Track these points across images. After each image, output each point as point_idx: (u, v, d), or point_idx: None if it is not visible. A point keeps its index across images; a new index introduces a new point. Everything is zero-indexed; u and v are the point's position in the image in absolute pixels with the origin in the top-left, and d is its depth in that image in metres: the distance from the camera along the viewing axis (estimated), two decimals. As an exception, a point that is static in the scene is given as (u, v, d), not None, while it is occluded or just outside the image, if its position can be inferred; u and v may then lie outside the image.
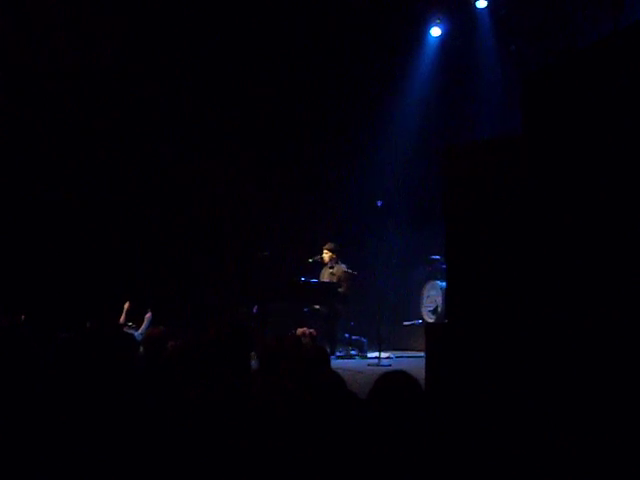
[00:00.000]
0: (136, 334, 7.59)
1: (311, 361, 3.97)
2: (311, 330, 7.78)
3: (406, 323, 10.64)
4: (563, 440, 3.33)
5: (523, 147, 4.15)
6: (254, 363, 4.59)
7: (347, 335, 10.07)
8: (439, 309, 10.14)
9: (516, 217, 4.11)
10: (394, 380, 2.91)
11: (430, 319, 10.30)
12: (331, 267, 10.00)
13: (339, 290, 9.78)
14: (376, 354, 9.02)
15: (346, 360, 9.29)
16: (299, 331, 7.98)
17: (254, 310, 9.53)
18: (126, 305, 8.42)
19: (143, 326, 8.02)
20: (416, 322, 10.43)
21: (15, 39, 9.88)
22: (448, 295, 4.61)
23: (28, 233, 10.06)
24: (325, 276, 10.06)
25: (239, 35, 10.81)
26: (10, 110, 9.96)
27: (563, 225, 3.88)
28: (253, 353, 4.83)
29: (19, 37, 9.91)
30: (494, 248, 4.17)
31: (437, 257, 10.24)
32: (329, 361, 4.28)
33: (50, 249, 10.09)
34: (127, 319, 8.44)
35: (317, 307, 9.76)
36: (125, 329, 8.00)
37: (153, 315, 8.14)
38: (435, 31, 11.54)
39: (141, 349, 6.88)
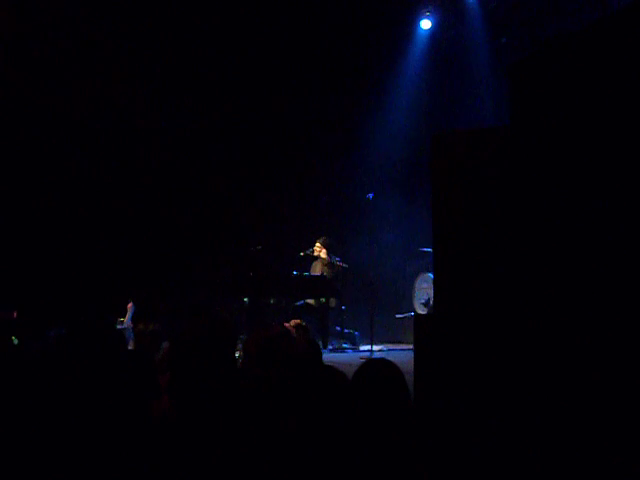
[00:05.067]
0: (121, 327, 7.61)
1: (302, 355, 3.96)
2: (300, 322, 7.79)
3: (399, 316, 10.66)
4: (548, 431, 3.35)
5: (510, 136, 4.15)
6: (239, 357, 4.58)
7: (339, 328, 10.10)
8: (431, 301, 10.15)
9: (503, 206, 4.11)
10: (376, 367, 2.92)
11: (422, 312, 10.31)
12: (322, 261, 10.02)
13: (331, 283, 9.80)
14: (368, 347, 9.04)
15: (338, 353, 9.32)
16: (292, 322, 7.99)
17: (246, 304, 9.55)
18: (129, 305, 8.42)
19: (127, 317, 8.03)
20: (409, 315, 10.45)
21: (14, 38, 9.90)
22: (435, 286, 4.62)
23: (19, 229, 10.04)
24: (317, 269, 10.08)
25: (230, 30, 10.80)
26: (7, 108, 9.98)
27: (550, 214, 3.89)
28: (240, 346, 4.82)
29: (18, 35, 9.92)
30: (481, 238, 4.18)
31: (429, 249, 10.25)
32: (320, 356, 4.27)
33: (41, 245, 10.07)
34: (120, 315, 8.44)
35: (310, 301, 9.78)
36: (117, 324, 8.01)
37: (140, 307, 8.14)
38: (425, 24, 11.53)
39: (132, 344, 6.90)
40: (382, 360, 3.07)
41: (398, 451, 2.62)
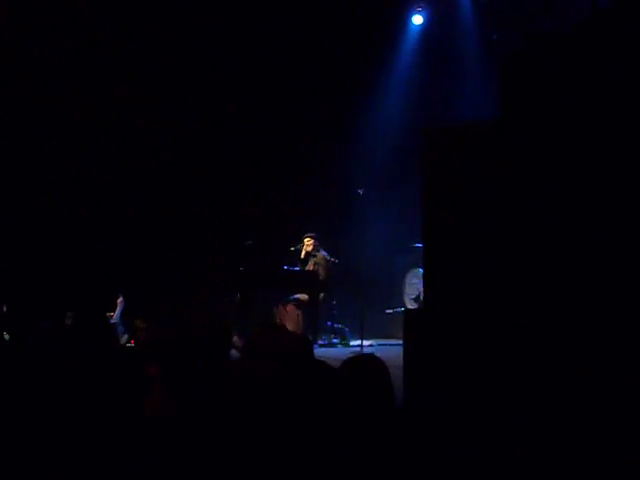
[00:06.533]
0: (112, 321, 7.63)
1: (293, 351, 3.96)
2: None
3: (389, 311, 10.66)
4: (536, 427, 3.37)
5: (500, 130, 4.17)
6: (233, 353, 4.58)
7: (329, 323, 10.11)
8: (421, 296, 10.15)
9: (493, 201, 4.13)
10: (361, 363, 2.93)
11: (413, 307, 10.32)
12: (312, 255, 10.03)
13: (320, 278, 9.81)
14: (358, 342, 9.05)
15: (328, 348, 9.34)
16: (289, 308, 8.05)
17: (236, 299, 9.56)
18: (119, 300, 8.42)
19: (117, 311, 8.04)
20: (398, 310, 10.46)
21: (14, 38, 9.88)
22: (424, 280, 4.63)
23: (9, 223, 10.01)
24: (306, 264, 10.09)
25: (224, 27, 10.78)
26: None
27: (540, 209, 3.91)
28: (235, 338, 4.82)
29: (18, 35, 9.90)
30: (471, 233, 4.19)
31: (420, 245, 10.23)
32: (312, 351, 4.27)
33: (31, 239, 10.04)
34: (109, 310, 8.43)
35: (300, 296, 9.79)
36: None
37: (129, 302, 8.15)
38: (417, 19, 11.54)
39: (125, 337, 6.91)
40: (367, 355, 3.08)
41: (381, 445, 2.63)
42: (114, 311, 8.25)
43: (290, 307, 9.51)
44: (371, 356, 3.08)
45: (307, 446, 2.73)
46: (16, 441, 2.88)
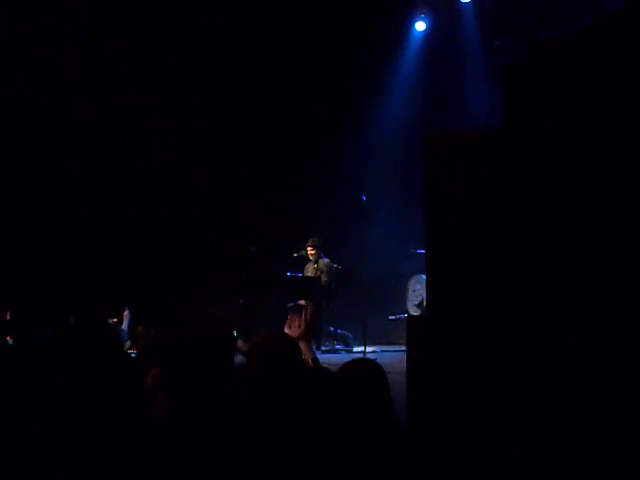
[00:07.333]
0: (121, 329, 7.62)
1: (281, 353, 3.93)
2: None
3: (392, 317, 10.66)
4: (539, 432, 3.36)
5: (503, 138, 4.17)
6: (239, 358, 4.58)
7: (332, 329, 10.10)
8: (424, 303, 10.16)
9: (496, 208, 4.12)
10: (358, 366, 2.93)
11: (415, 313, 10.32)
12: (315, 262, 10.03)
13: (323, 284, 9.81)
14: (361, 348, 9.05)
15: (331, 354, 9.34)
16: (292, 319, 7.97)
17: (239, 304, 9.55)
18: (125, 312, 8.41)
19: (125, 323, 8.04)
20: (402, 316, 10.45)
21: (14, 38, 9.91)
22: (428, 286, 4.62)
23: (12, 229, 10.02)
24: (309, 271, 10.09)
25: (225, 30, 10.80)
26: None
27: (541, 217, 3.90)
28: (240, 343, 4.82)
29: (18, 35, 9.94)
30: (474, 240, 4.19)
31: (423, 251, 10.24)
32: (299, 353, 4.23)
33: (34, 245, 10.05)
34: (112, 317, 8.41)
35: (302, 302, 9.79)
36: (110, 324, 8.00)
37: (135, 311, 8.14)
38: (420, 25, 11.56)
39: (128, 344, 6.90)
40: (364, 359, 3.08)
41: (383, 450, 2.63)
42: (117, 318, 8.24)
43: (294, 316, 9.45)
44: (367, 360, 3.08)
45: (306, 446, 2.73)
46: (19, 444, 2.89)
